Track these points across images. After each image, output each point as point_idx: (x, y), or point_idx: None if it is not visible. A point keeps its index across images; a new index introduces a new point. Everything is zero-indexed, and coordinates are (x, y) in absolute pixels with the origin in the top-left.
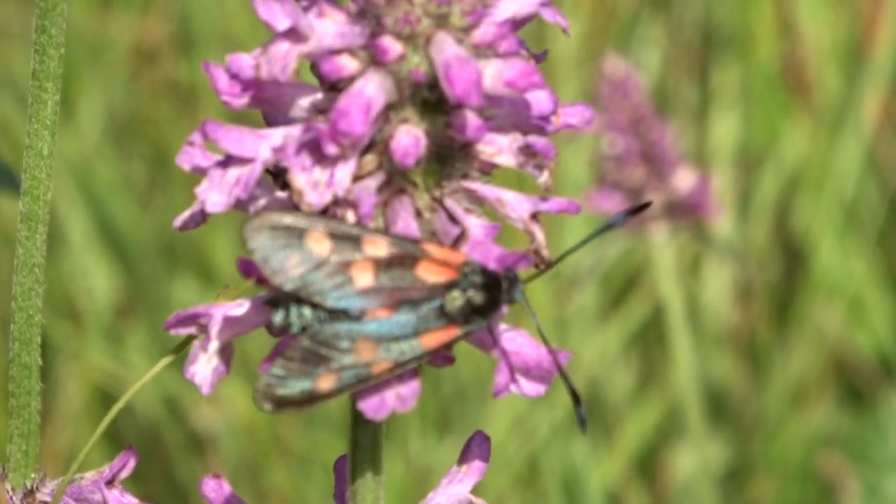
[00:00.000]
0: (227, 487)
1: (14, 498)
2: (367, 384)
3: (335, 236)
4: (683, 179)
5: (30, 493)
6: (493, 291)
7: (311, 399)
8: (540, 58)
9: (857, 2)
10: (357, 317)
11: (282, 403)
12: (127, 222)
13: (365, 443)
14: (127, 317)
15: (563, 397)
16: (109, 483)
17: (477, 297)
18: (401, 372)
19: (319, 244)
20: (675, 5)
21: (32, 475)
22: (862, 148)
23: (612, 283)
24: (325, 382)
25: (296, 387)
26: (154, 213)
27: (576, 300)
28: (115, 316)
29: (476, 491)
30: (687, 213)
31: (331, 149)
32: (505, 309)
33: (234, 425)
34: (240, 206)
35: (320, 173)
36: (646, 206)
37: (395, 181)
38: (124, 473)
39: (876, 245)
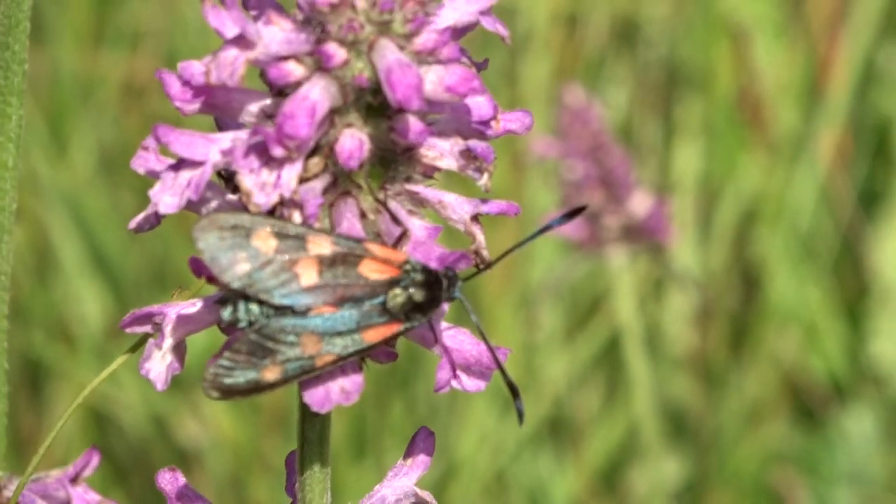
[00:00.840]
0: (181, 479)
1: None
2: (310, 375)
3: (281, 235)
4: (640, 203)
5: None
6: (434, 289)
7: (256, 388)
8: (481, 66)
9: (813, 41)
10: (302, 312)
11: (228, 392)
12: (117, 250)
13: (312, 437)
14: (117, 339)
15: (532, 415)
16: (73, 480)
17: (418, 294)
18: (343, 364)
19: (265, 243)
20: (640, 45)
21: (1, 474)
22: (817, 181)
23: (578, 306)
24: (271, 373)
25: (242, 377)
26: (142, 241)
27: (542, 322)
28: (105, 338)
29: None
30: (644, 235)
31: (277, 151)
32: (445, 307)
33: (217, 441)
34: (191, 207)
35: (267, 175)
36: (582, 209)
37: (341, 183)
38: (87, 472)
39: (830, 274)
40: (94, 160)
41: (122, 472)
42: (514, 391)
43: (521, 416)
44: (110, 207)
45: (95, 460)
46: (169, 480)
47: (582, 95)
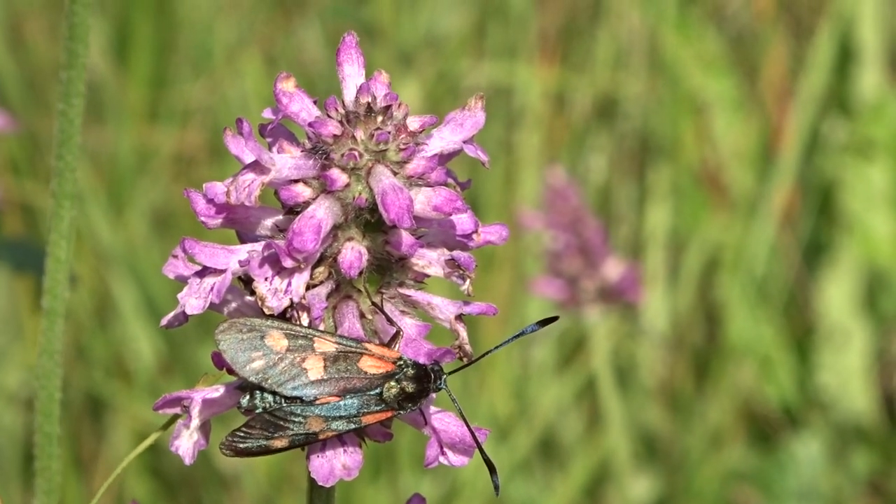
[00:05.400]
0: None
1: None
2: (313, 442)
3: (290, 336)
4: (613, 269)
5: None
6: (423, 382)
7: (266, 451)
8: (465, 186)
9: (766, 114)
10: (310, 402)
11: (241, 453)
12: (166, 298)
13: (320, 503)
14: (167, 375)
15: (523, 442)
16: None
17: (409, 386)
18: (344, 438)
19: (277, 343)
20: (618, 118)
21: None
22: (769, 235)
23: (565, 344)
24: (279, 442)
25: (254, 443)
26: None
27: (534, 359)
28: (157, 374)
29: None
30: (616, 296)
31: (288, 262)
32: (433, 395)
33: (252, 466)
34: (214, 308)
35: (279, 283)
36: (554, 318)
37: (343, 289)
38: None
39: (781, 315)
40: (147, 221)
41: (170, 489)
42: (491, 469)
43: (497, 488)
44: (161, 261)
45: None
46: None
47: (563, 175)
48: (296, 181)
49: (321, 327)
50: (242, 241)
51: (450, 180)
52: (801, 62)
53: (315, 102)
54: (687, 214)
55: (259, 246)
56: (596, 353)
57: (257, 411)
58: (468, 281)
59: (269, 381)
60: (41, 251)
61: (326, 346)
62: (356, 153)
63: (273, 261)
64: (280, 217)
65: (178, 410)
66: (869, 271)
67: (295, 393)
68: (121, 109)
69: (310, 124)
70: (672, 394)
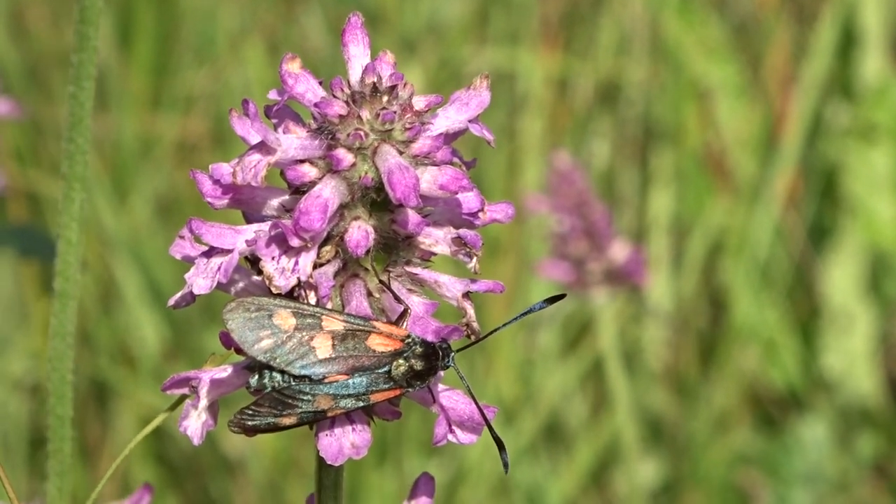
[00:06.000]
0: None
1: None
2: (321, 419)
3: (298, 315)
4: (619, 251)
5: None
6: (431, 360)
7: (274, 429)
8: (470, 165)
9: (769, 99)
10: (319, 381)
11: (250, 430)
12: (170, 284)
13: (328, 483)
14: (171, 361)
15: (528, 426)
16: None
17: (418, 364)
18: (352, 416)
19: (285, 322)
20: (621, 104)
21: None
22: (773, 219)
23: (570, 329)
24: (287, 420)
25: (262, 421)
26: None
27: (539, 343)
28: (161, 360)
29: (457, 503)
30: (622, 279)
31: (294, 241)
32: (441, 373)
33: (258, 451)
34: (221, 288)
35: (286, 262)
36: (561, 296)
37: (350, 267)
38: None
39: (785, 298)
40: (150, 208)
41: (176, 476)
42: (500, 445)
43: (506, 466)
44: (164, 247)
45: (147, 498)
46: None
47: (568, 159)
48: (302, 161)
49: (329, 306)
50: (248, 221)
51: (455, 159)
52: (804, 47)
53: (320, 83)
54: (690, 199)
55: (266, 226)
56: (603, 335)
57: (266, 391)
58: (475, 259)
59: (278, 360)
60: (47, 237)
61: (334, 324)
62: (362, 133)
63: (280, 240)
64: (286, 197)
65: (186, 391)
66: (873, 254)
67: (304, 372)
68: (124, 97)
69: (315, 105)
70: (677, 378)
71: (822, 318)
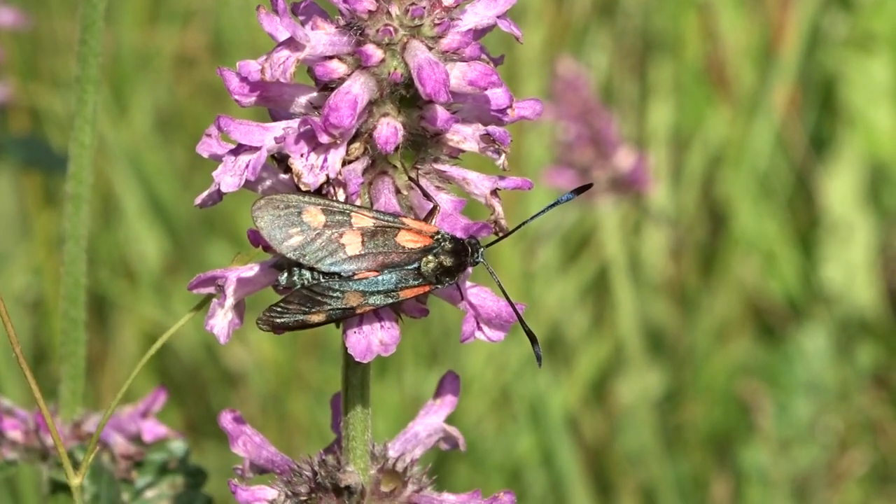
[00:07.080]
0: (241, 420)
1: (63, 430)
2: (350, 316)
3: (328, 212)
4: (624, 159)
5: (77, 425)
6: (461, 256)
7: (303, 326)
8: (498, 61)
9: (768, 10)
10: (348, 277)
11: (279, 328)
12: (171, 198)
13: (355, 381)
14: (172, 275)
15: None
16: (143, 415)
17: (447, 260)
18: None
19: (315, 219)
20: (619, 16)
21: (80, 410)
22: (772, 130)
23: (569, 242)
24: (316, 317)
25: (291, 318)
26: (193, 190)
27: (539, 257)
28: (162, 274)
29: (460, 413)
30: (627, 186)
31: (324, 138)
32: (470, 270)
33: (260, 363)
34: (249, 186)
35: (315, 159)
36: (588, 186)
37: (378, 164)
38: (156, 407)
39: (785, 209)
40: (150, 121)
41: (178, 391)
42: (532, 339)
43: (539, 359)
44: (165, 161)
45: (162, 398)
46: (230, 421)
47: (573, 66)
48: (330, 58)
49: (357, 203)
50: (275, 119)
51: (483, 55)
52: None
53: None
54: (689, 111)
55: (295, 122)
56: (608, 242)
57: (295, 288)
58: (503, 156)
59: (307, 257)
60: (50, 148)
61: (364, 221)
62: (391, 28)
63: (309, 137)
64: (314, 94)
65: (212, 290)
66: (872, 165)
67: (333, 269)
68: (122, 10)
69: (344, 0)
70: (678, 290)
71: (821, 228)
